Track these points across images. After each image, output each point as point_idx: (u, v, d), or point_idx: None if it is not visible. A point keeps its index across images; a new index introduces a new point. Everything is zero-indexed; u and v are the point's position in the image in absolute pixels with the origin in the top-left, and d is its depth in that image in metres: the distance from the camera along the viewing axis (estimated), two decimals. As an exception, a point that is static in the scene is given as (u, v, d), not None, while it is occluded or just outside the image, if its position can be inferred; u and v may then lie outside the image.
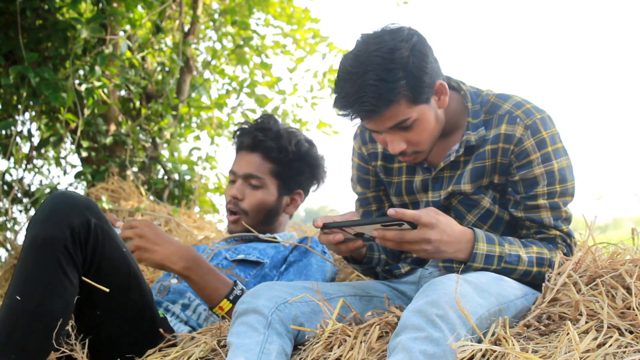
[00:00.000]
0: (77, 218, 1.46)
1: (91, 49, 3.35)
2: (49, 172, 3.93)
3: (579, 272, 1.50)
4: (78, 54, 3.32)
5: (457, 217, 1.68)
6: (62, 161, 3.90)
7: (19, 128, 3.49)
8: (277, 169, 2.08)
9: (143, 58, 3.81)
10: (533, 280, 1.57)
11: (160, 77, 3.97)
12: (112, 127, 3.61)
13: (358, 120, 1.53)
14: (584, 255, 1.53)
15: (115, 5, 3.42)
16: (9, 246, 3.36)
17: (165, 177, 3.77)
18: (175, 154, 3.98)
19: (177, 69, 3.90)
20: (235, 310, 1.50)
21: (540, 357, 1.24)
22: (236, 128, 2.17)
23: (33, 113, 3.62)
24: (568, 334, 1.25)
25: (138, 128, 3.67)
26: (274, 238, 2.02)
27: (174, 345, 1.65)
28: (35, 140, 3.75)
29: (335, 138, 4.51)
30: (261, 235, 2.02)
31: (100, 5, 3.30)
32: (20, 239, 3.46)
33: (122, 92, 3.78)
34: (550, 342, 1.32)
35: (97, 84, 3.20)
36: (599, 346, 1.26)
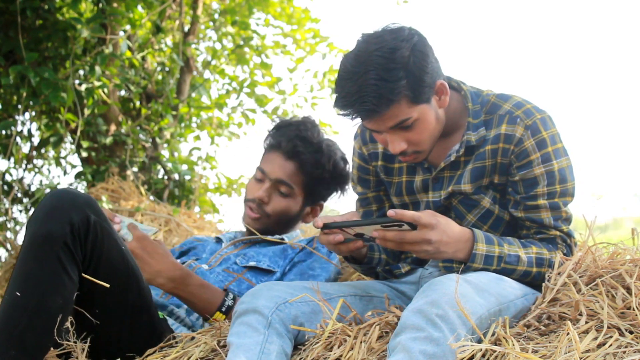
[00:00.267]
0: (77, 215, 1.46)
1: (91, 49, 3.35)
2: (49, 172, 3.94)
3: (579, 272, 1.50)
4: (78, 54, 3.32)
5: (457, 217, 1.68)
6: (62, 161, 3.91)
7: (19, 128, 3.49)
8: (309, 182, 2.05)
9: (143, 58, 3.81)
10: (533, 280, 1.57)
11: (160, 77, 3.98)
12: (112, 127, 3.61)
13: (358, 120, 1.53)
14: (584, 255, 1.53)
15: (115, 5, 3.42)
16: (9, 246, 3.37)
17: (165, 177, 3.78)
18: (175, 154, 3.99)
19: (177, 69, 3.90)
20: (235, 310, 1.50)
21: (540, 357, 1.24)
22: (275, 124, 2.10)
23: (33, 113, 3.63)
24: (568, 334, 1.25)
25: (138, 128, 3.67)
26: (282, 239, 2.02)
27: (174, 345, 1.65)
28: (35, 140, 3.75)
29: (335, 138, 4.51)
30: (269, 237, 2.01)
31: (100, 5, 3.30)
32: (20, 239, 3.46)
33: (122, 92, 3.78)
34: (550, 342, 1.32)
35: (97, 84, 3.20)
36: (599, 346, 1.26)
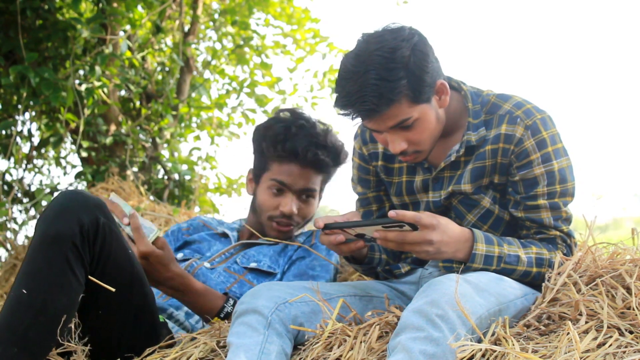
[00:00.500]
0: (87, 216, 1.47)
1: (91, 49, 3.35)
2: (49, 172, 3.93)
3: (579, 272, 1.50)
4: (78, 54, 3.32)
5: (457, 217, 1.68)
6: (62, 161, 3.90)
7: (19, 128, 3.49)
8: (327, 178, 2.07)
9: (143, 58, 3.81)
10: (533, 280, 1.57)
11: (160, 77, 3.97)
12: (112, 127, 3.61)
13: (359, 120, 1.53)
14: (584, 255, 1.53)
15: (115, 5, 3.42)
16: (9, 246, 3.36)
17: (165, 177, 3.77)
18: (175, 154, 3.99)
19: (177, 69, 3.90)
20: (235, 310, 1.50)
21: (540, 357, 1.24)
22: (268, 126, 2.01)
23: (33, 113, 3.62)
24: (568, 334, 1.25)
25: (138, 128, 3.67)
26: (283, 240, 2.00)
27: (173, 345, 1.65)
28: (35, 140, 3.75)
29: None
30: (269, 240, 1.99)
31: (100, 5, 3.30)
32: (20, 239, 3.46)
33: (122, 92, 3.78)
34: (550, 342, 1.32)
35: (97, 84, 3.20)
36: (599, 346, 1.26)
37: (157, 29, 3.70)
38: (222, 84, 4.46)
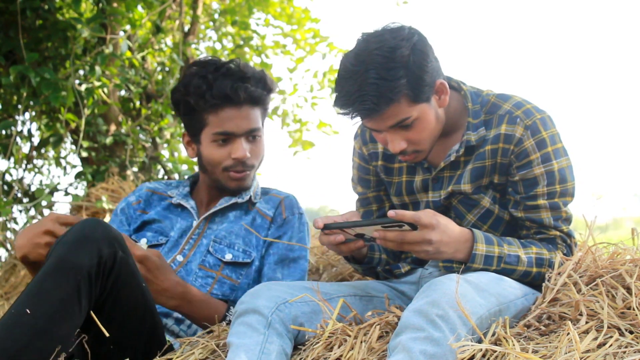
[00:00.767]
0: (107, 248, 1.44)
1: (91, 49, 3.35)
2: (49, 172, 3.93)
3: (579, 272, 1.50)
4: (78, 54, 3.32)
5: (457, 217, 1.68)
6: (62, 161, 3.90)
7: (19, 128, 3.49)
8: (266, 109, 1.97)
9: (143, 58, 3.81)
10: (533, 280, 1.57)
11: (160, 77, 3.97)
12: (112, 127, 3.61)
13: (358, 119, 1.53)
14: (584, 255, 1.53)
15: (115, 5, 3.42)
16: (9, 246, 3.36)
17: (165, 177, 3.77)
18: (175, 154, 3.99)
19: (177, 69, 3.90)
20: (235, 310, 1.50)
21: (540, 357, 1.24)
22: (187, 81, 1.89)
23: (33, 113, 3.62)
24: (568, 334, 1.25)
25: (138, 128, 3.67)
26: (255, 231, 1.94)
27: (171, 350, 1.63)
28: (35, 140, 3.75)
29: (335, 138, 4.51)
30: (259, 236, 1.94)
31: (101, 5, 3.30)
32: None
33: (122, 92, 3.78)
34: (550, 342, 1.32)
35: (97, 84, 3.20)
36: (599, 346, 1.26)
37: (157, 29, 3.70)
38: (222, 84, 4.45)
